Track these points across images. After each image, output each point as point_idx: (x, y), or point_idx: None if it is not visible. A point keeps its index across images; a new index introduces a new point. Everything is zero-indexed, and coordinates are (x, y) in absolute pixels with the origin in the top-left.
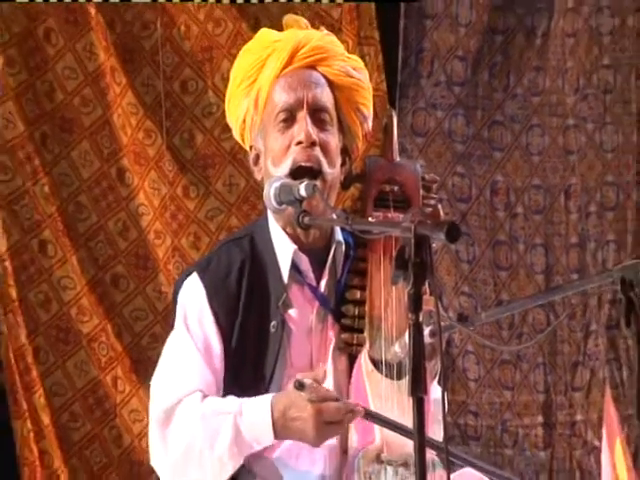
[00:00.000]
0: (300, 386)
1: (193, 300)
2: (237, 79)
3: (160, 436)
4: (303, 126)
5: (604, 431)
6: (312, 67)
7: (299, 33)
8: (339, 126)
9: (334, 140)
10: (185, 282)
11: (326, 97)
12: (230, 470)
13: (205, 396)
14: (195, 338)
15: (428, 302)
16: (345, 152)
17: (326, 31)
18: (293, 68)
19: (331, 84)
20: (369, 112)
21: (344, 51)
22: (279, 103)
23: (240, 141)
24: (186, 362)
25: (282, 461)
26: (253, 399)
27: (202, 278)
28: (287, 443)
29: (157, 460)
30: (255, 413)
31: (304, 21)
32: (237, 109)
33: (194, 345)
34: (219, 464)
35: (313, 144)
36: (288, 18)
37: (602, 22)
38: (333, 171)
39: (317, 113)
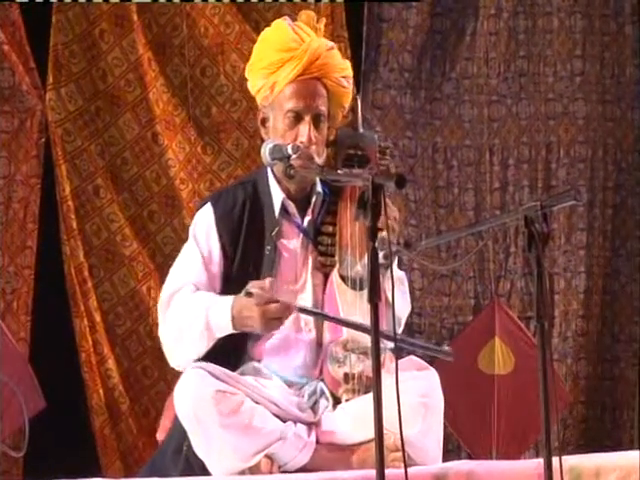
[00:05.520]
0: (248, 294)
1: (204, 221)
2: (264, 61)
3: (162, 316)
4: (306, 130)
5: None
6: (317, 78)
7: (312, 45)
8: (327, 116)
9: (324, 132)
10: (200, 209)
11: (324, 104)
12: (204, 346)
13: (197, 289)
14: (200, 247)
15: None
16: (328, 129)
17: (331, 43)
18: (304, 77)
19: (328, 91)
20: (348, 104)
21: (340, 60)
22: (291, 104)
23: (251, 92)
24: (188, 263)
25: (274, 351)
26: (220, 300)
27: (213, 206)
28: (278, 339)
29: (160, 333)
30: (219, 313)
31: (313, 16)
32: (255, 79)
33: (198, 252)
34: (196, 342)
35: (310, 143)
36: (302, 14)
37: (518, 24)
38: (320, 157)
39: (317, 117)
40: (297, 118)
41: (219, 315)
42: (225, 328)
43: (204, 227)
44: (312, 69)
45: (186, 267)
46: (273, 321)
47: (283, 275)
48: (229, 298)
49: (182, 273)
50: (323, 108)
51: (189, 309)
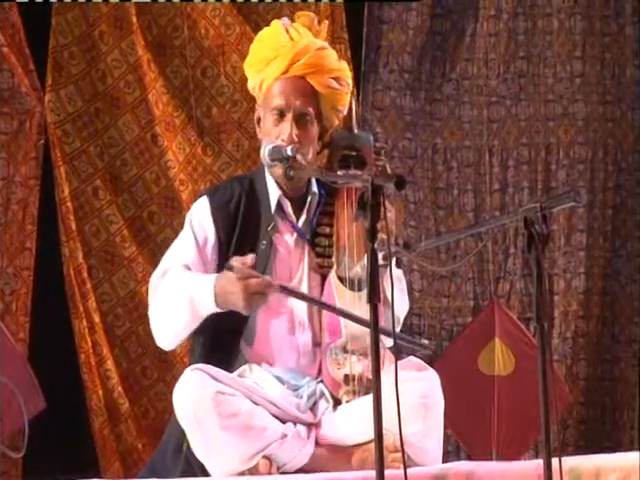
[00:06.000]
0: (229, 268)
1: (200, 210)
2: (254, 59)
3: (151, 297)
4: (287, 128)
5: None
6: (304, 77)
7: (301, 43)
8: (319, 118)
9: (310, 133)
10: (196, 201)
11: (309, 103)
12: (190, 325)
13: (187, 268)
14: (195, 232)
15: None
16: (323, 130)
17: (324, 43)
18: (289, 75)
19: (315, 91)
20: (344, 107)
21: (332, 61)
22: (275, 102)
23: (251, 91)
24: (182, 246)
25: (268, 352)
26: (205, 278)
27: (209, 198)
28: (272, 340)
29: (150, 311)
30: (203, 289)
31: (313, 18)
32: (251, 78)
33: (193, 237)
34: (181, 320)
35: (291, 142)
36: (300, 15)
37: (518, 25)
38: (305, 157)
39: (300, 116)
40: (281, 115)
41: (203, 292)
42: (208, 305)
43: (200, 215)
44: (297, 67)
45: (179, 250)
46: (255, 296)
47: (277, 271)
48: (211, 278)
49: (174, 255)
50: (309, 108)
51: (175, 287)
